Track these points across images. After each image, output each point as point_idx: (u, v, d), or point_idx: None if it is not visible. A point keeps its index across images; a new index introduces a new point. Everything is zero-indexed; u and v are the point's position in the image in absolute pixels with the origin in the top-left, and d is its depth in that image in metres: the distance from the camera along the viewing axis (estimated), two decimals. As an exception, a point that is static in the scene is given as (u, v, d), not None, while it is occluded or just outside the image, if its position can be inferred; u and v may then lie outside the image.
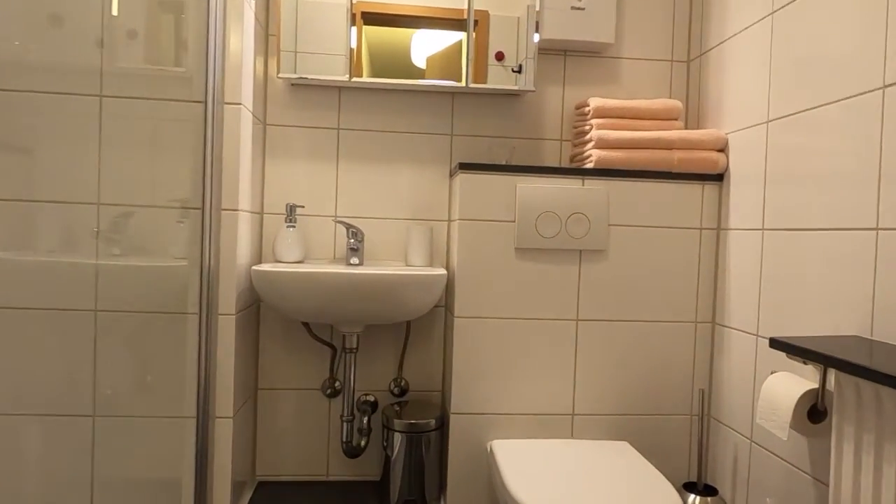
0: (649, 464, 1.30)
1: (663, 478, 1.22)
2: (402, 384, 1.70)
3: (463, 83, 1.59)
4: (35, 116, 1.42)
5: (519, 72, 1.62)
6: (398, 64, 1.61)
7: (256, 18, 1.51)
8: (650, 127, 1.51)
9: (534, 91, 1.62)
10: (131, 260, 1.46)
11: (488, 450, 1.44)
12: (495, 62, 1.64)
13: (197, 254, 1.33)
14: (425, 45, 1.62)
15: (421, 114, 1.69)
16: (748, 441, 1.35)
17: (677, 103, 1.53)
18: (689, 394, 1.52)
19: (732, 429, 1.42)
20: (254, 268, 1.40)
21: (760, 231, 1.33)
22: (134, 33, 1.49)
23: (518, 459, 1.31)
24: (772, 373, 1.18)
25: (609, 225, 1.47)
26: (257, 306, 1.65)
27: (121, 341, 1.45)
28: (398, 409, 1.61)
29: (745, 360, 1.38)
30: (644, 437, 1.50)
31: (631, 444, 1.48)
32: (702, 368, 1.52)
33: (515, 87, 1.61)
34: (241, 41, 1.38)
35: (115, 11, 1.44)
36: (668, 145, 1.48)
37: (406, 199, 1.69)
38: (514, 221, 1.46)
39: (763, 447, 1.30)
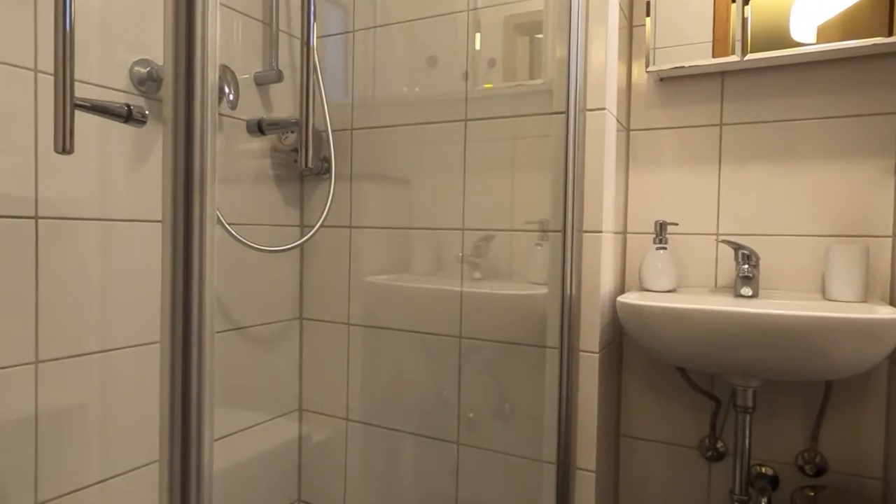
0: None
1: None
2: (818, 461, 1.25)
3: (929, 33, 1.08)
4: (412, 148, 1.50)
5: None
6: (774, 43, 1.20)
7: (621, 9, 1.30)
8: None
9: None
10: (492, 286, 1.41)
11: None
12: None
13: (557, 281, 1.19)
14: (812, 13, 1.17)
15: (841, 90, 1.22)
16: None
17: None
18: None
19: None
20: (619, 299, 1.18)
21: None
22: (493, 61, 1.47)
23: None
24: None
25: None
26: (620, 341, 1.43)
27: (482, 371, 1.41)
28: (812, 494, 1.18)
29: None
30: None
31: None
32: None
33: None
34: (606, 37, 1.20)
35: (477, 46, 1.43)
36: None
37: (820, 208, 1.25)
38: None
39: None
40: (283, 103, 1.52)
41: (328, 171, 1.48)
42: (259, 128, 1.37)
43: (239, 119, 1.39)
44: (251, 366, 1.46)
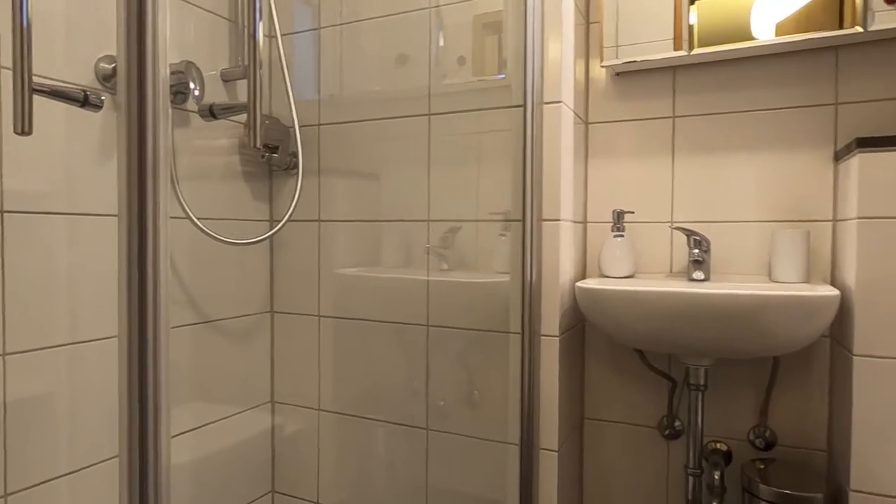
0: None
1: None
2: (767, 435, 1.31)
3: (859, 28, 1.15)
4: (380, 143, 1.53)
5: None
6: (737, 38, 1.26)
7: (577, 7, 1.35)
8: None
9: None
10: (458, 275, 1.45)
11: (921, 557, 0.97)
12: (885, 6, 1.15)
13: (518, 268, 1.24)
14: (770, 11, 1.23)
15: (784, 84, 1.29)
16: None
17: None
18: None
19: None
20: (578, 284, 1.23)
21: None
22: (463, 59, 1.51)
23: None
24: None
25: None
26: (582, 327, 1.48)
27: (450, 358, 1.45)
28: (762, 467, 1.24)
29: None
30: None
31: None
32: None
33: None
34: (561, 34, 1.24)
35: (441, 42, 1.46)
36: None
37: (767, 195, 1.31)
38: (960, 217, 0.97)
39: None
40: (251, 100, 1.55)
41: (296, 166, 1.51)
42: (211, 112, 1.38)
43: (192, 112, 1.40)
44: (223, 359, 1.48)
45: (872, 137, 1.04)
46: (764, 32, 1.24)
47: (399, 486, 1.52)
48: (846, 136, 1.23)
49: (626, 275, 1.36)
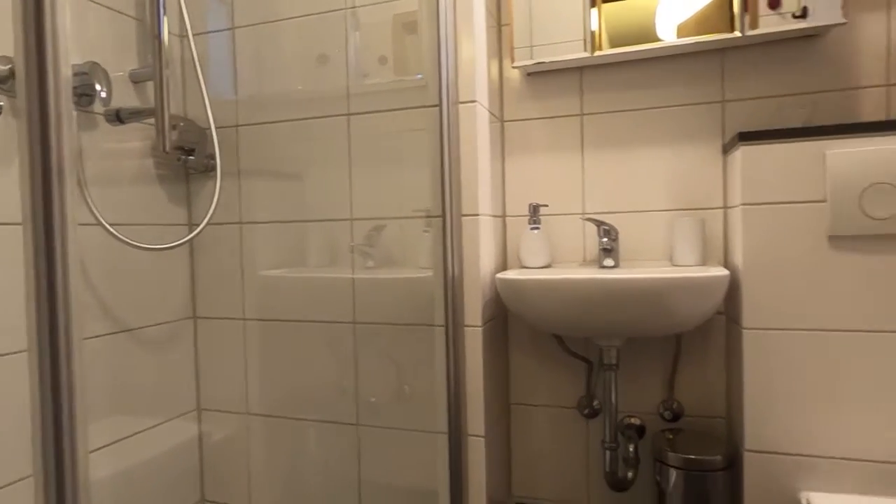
0: None
1: None
2: (675, 407, 1.42)
3: (737, 32, 1.26)
4: (301, 143, 1.53)
5: (803, 17, 1.23)
6: (642, 40, 1.36)
7: (488, 10, 1.41)
8: None
9: (844, 23, 1.21)
10: (384, 272, 1.48)
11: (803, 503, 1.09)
12: (769, 11, 1.28)
13: (440, 263, 1.28)
14: (673, 14, 1.34)
15: (679, 83, 1.40)
16: None
17: None
18: None
19: None
20: (498, 276, 1.29)
21: None
22: (384, 59, 1.53)
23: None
24: None
25: None
26: (505, 316, 1.54)
27: (378, 353, 1.48)
28: (671, 437, 1.34)
29: None
30: None
31: None
32: None
33: (817, 24, 1.22)
34: (473, 34, 1.30)
35: (359, 41, 1.48)
36: None
37: (668, 186, 1.42)
38: (824, 201, 1.09)
39: None
40: (163, 101, 1.51)
41: (214, 168, 1.49)
42: (118, 117, 1.33)
43: (96, 114, 1.36)
44: (144, 368, 1.44)
45: (752, 132, 1.15)
46: (667, 34, 1.34)
47: (332, 483, 1.54)
48: (732, 130, 1.36)
49: (543, 265, 1.43)
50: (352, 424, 1.50)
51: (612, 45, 1.37)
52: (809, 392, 1.12)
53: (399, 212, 1.47)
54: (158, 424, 1.48)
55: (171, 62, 1.53)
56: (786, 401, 1.14)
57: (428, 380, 1.43)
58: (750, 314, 1.16)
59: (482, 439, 1.31)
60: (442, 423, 1.32)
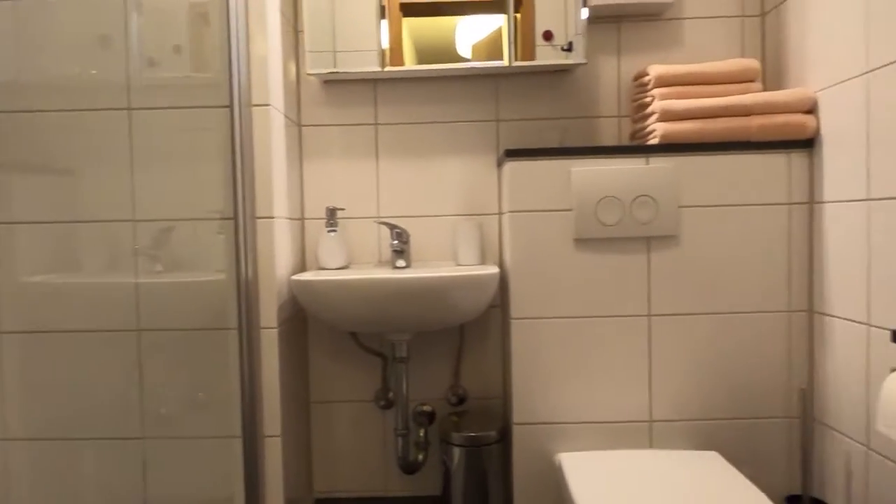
0: (742, 476, 1.14)
1: (761, 493, 1.05)
2: (460, 392, 1.58)
3: (505, 62, 1.45)
4: (75, 136, 1.40)
5: (569, 50, 1.46)
6: (443, 55, 1.49)
7: (283, 14, 1.43)
8: (722, 93, 1.32)
9: (585, 63, 1.46)
10: (174, 276, 1.42)
11: (556, 463, 1.30)
12: (544, 42, 1.49)
13: (233, 266, 1.27)
14: (470, 33, 1.50)
15: (462, 101, 1.56)
16: (863, 448, 1.15)
17: (754, 63, 1.34)
18: (785, 394, 1.32)
19: (843, 433, 1.22)
20: (292, 278, 1.32)
21: (866, 202, 1.12)
22: (179, 48, 1.46)
23: (590, 474, 1.17)
24: (892, 370, 0.98)
25: (679, 207, 1.30)
26: (304, 317, 1.57)
27: (167, 361, 1.41)
28: (456, 419, 1.50)
29: (854, 352, 1.17)
30: (735, 445, 1.32)
31: (720, 453, 1.30)
32: (799, 364, 1.32)
33: (564, 62, 1.45)
34: (266, 38, 1.31)
35: (137, 29, 1.40)
36: (746, 111, 1.29)
37: (452, 193, 1.57)
38: (570, 210, 1.31)
39: (885, 456, 1.10)
40: None
41: (-43, 159, 1.29)
42: None
43: None
44: None
45: (516, 150, 1.33)
46: (465, 52, 1.48)
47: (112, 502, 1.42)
48: (504, 146, 1.55)
49: (340, 266, 1.49)
50: (137, 439, 1.40)
51: (418, 58, 1.48)
52: (563, 370, 1.34)
53: (191, 213, 1.42)
54: None
55: None
56: (545, 379, 1.34)
57: (224, 385, 1.39)
58: (516, 306, 1.34)
59: (279, 439, 1.33)
60: (237, 427, 1.31)
